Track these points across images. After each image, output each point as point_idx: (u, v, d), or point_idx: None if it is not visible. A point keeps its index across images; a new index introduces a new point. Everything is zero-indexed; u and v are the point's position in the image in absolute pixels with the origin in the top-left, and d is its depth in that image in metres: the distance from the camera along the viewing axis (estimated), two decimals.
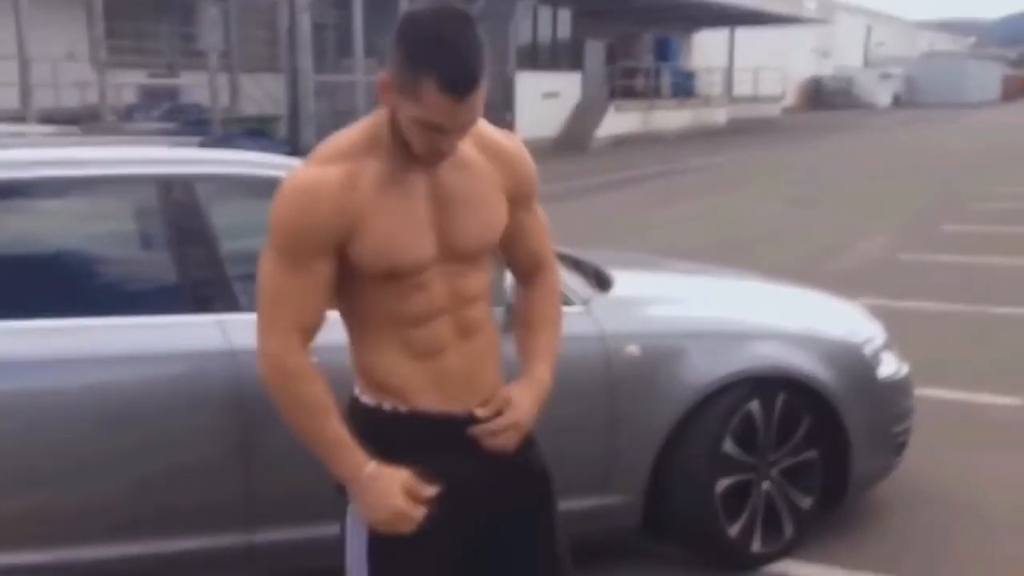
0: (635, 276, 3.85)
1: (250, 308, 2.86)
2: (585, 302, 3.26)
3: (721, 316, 3.59)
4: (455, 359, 1.97)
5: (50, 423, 2.70)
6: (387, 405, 1.97)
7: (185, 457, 2.80)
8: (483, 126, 2.00)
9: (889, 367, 3.72)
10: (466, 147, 1.95)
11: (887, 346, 3.79)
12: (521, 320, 2.15)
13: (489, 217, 1.99)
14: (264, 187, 2.89)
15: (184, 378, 2.80)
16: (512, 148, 2.05)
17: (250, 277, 2.97)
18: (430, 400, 1.96)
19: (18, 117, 14.46)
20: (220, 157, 3.19)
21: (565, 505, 3.21)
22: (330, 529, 2.08)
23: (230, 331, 2.80)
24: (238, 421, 2.80)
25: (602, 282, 3.54)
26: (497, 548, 2.08)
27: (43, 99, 15.63)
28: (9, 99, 15.25)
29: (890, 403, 3.71)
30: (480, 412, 1.98)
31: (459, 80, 1.74)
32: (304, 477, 2.79)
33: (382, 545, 1.95)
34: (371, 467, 1.89)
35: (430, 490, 1.91)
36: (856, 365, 3.61)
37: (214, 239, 2.93)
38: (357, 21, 18.37)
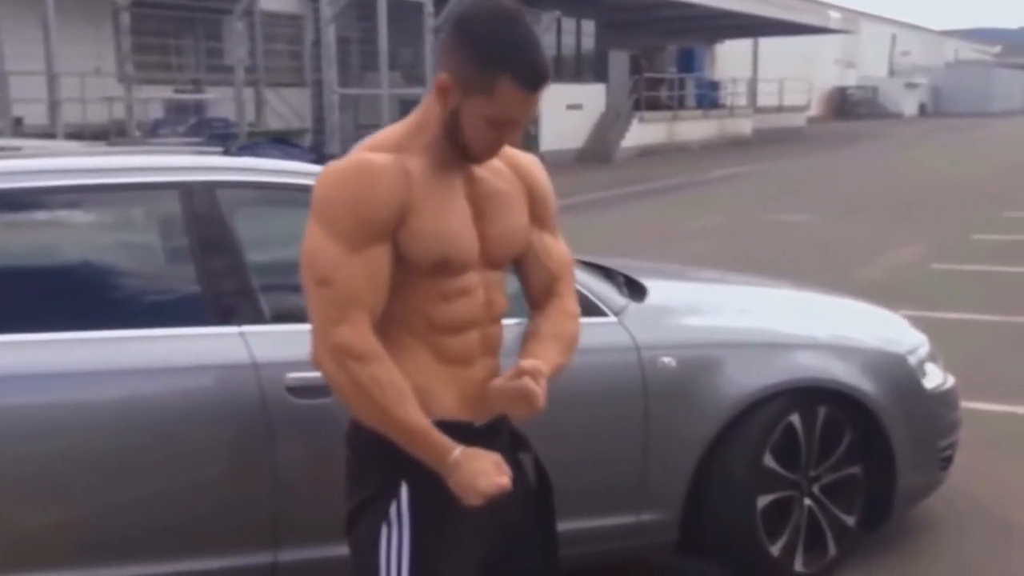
0: (668, 285, 3.73)
1: (275, 319, 2.82)
2: (618, 312, 3.15)
3: (759, 325, 3.46)
4: (480, 371, 1.96)
5: (67, 437, 2.61)
6: None
7: (205, 473, 2.71)
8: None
9: (935, 378, 3.58)
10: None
11: (932, 357, 3.65)
12: (529, 333, 2.04)
13: (519, 223, 2.01)
14: (290, 195, 2.85)
15: (205, 391, 2.71)
16: (529, 161, 2.08)
17: (275, 288, 2.94)
18: (452, 406, 1.92)
19: (47, 133, 14.55)
20: (244, 164, 3.11)
21: (599, 522, 3.16)
22: None
23: (253, 344, 2.71)
24: (260, 436, 2.71)
25: (635, 291, 3.43)
26: (501, 557, 2.05)
27: (71, 114, 15.73)
28: (38, 115, 15.34)
29: (936, 416, 3.57)
30: (497, 381, 1.89)
31: (535, 73, 1.79)
32: (328, 493, 2.71)
33: (422, 557, 1.90)
34: (458, 450, 1.85)
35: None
36: (900, 376, 3.48)
37: (237, 248, 2.85)
38: (382, 34, 18.37)
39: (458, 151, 1.88)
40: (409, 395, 1.83)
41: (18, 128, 15.05)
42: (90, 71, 16.51)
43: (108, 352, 2.67)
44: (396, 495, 1.90)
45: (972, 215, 12.97)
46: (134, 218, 2.99)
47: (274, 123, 19.45)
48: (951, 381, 3.68)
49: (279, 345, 2.73)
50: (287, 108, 19.90)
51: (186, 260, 2.84)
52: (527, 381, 1.83)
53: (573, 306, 2.11)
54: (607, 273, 3.61)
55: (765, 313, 3.65)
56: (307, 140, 18.59)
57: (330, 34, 18.83)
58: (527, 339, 2.03)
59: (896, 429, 3.38)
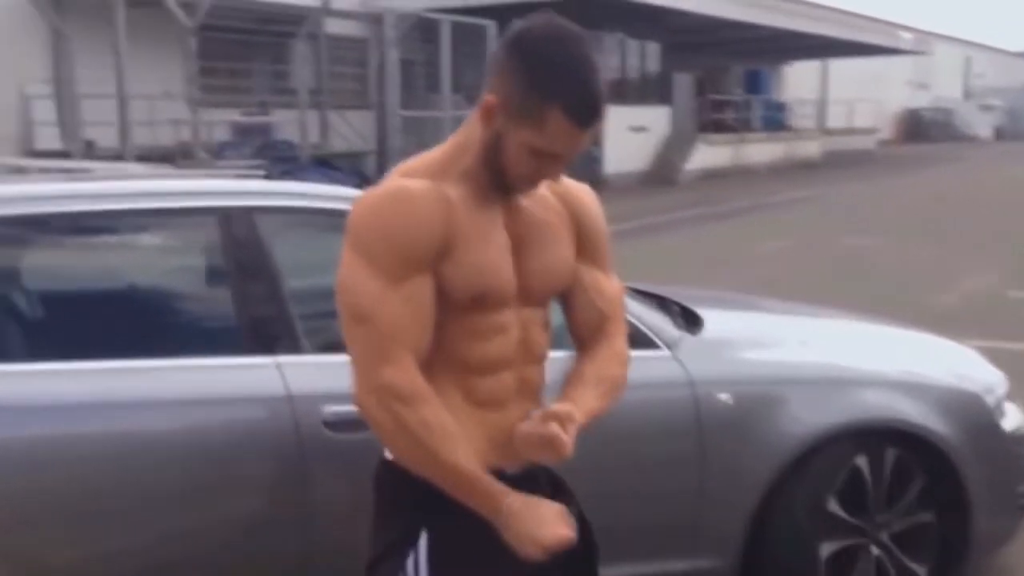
0: (725, 316, 3.55)
1: (313, 350, 2.72)
2: (671, 345, 2.99)
3: (823, 361, 3.27)
4: (514, 415, 1.80)
5: (97, 468, 2.52)
6: None
7: (237, 508, 2.61)
8: None
9: (1014, 419, 3.35)
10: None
11: (1010, 397, 3.42)
12: (571, 374, 1.89)
13: (561, 257, 1.86)
14: (330, 220, 2.74)
15: (240, 424, 2.61)
16: (578, 190, 1.92)
17: (312, 316, 2.84)
18: (480, 450, 1.75)
19: (117, 155, 14.81)
20: (283, 189, 3.01)
21: (651, 568, 2.99)
22: None
23: (289, 375, 2.61)
24: (295, 471, 2.60)
25: (690, 322, 3.26)
26: None
27: (140, 137, 15.99)
28: (108, 137, 15.63)
29: (1015, 459, 3.34)
30: (524, 424, 1.74)
31: (588, 109, 1.66)
32: (362, 532, 2.59)
33: None
34: (514, 497, 1.69)
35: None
36: (976, 416, 3.26)
37: (276, 275, 2.75)
38: (445, 57, 18.43)
39: (495, 178, 1.75)
40: (459, 439, 1.70)
41: (90, 150, 15.35)
42: (159, 94, 16.80)
43: (140, 382, 2.58)
44: (415, 545, 1.75)
45: None
46: (170, 244, 2.91)
47: (338, 145, 19.58)
48: None
49: (316, 377, 2.62)
50: (351, 130, 20.03)
51: (223, 287, 2.76)
52: (554, 427, 1.68)
53: (623, 348, 1.95)
54: (661, 302, 3.45)
55: (830, 347, 3.45)
56: (371, 162, 18.67)
57: (393, 57, 18.94)
58: (568, 381, 1.88)
59: (971, 473, 3.16)
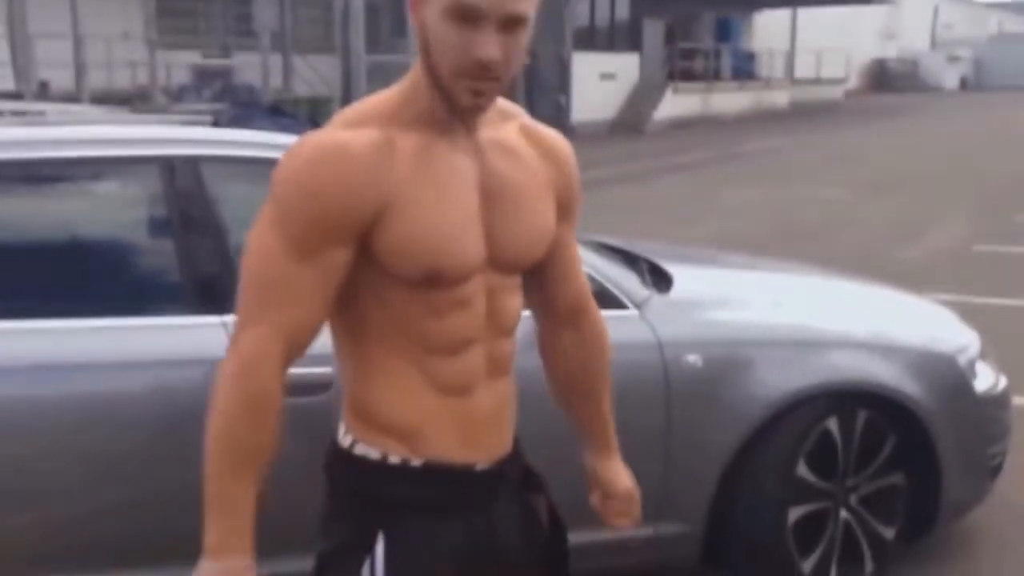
0: (694, 273, 3.44)
1: None
2: (639, 305, 2.88)
3: (794, 321, 3.17)
4: (484, 398, 1.58)
5: (31, 433, 2.39)
6: (395, 457, 1.54)
7: (182, 475, 2.48)
8: (530, 119, 1.65)
9: (986, 380, 3.29)
10: (513, 135, 1.59)
11: (982, 356, 3.35)
12: (573, 383, 1.78)
13: (542, 219, 1.61)
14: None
15: (182, 386, 2.47)
16: (564, 147, 1.67)
17: None
18: (449, 446, 1.56)
19: (72, 97, 14.40)
20: (232, 137, 2.84)
21: (617, 535, 2.90)
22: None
23: None
24: None
25: (659, 281, 3.15)
26: None
27: (96, 79, 15.56)
28: (64, 79, 15.19)
29: (987, 421, 3.27)
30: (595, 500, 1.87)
31: None
32: (308, 491, 2.47)
33: None
34: (247, 560, 1.46)
35: None
36: (949, 377, 3.18)
37: (223, 229, 2.60)
38: None
39: (441, 92, 1.46)
40: (261, 465, 1.46)
41: (43, 92, 14.91)
42: (117, 35, 16.33)
43: (77, 343, 2.44)
44: (371, 549, 1.53)
45: (1013, 194, 12.52)
46: (110, 195, 2.73)
47: (301, 90, 19.20)
48: (1004, 382, 3.37)
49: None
50: (315, 75, 19.63)
51: (166, 242, 2.60)
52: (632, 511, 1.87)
53: (602, 322, 1.80)
54: (629, 259, 3.33)
55: (801, 307, 3.35)
56: (334, 108, 18.33)
57: (359, 1, 18.52)
58: (574, 395, 1.80)
59: (943, 435, 3.09)
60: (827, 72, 37.86)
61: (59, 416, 2.40)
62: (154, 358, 2.47)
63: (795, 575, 2.99)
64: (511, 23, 1.41)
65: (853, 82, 43.01)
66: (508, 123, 1.61)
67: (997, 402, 3.31)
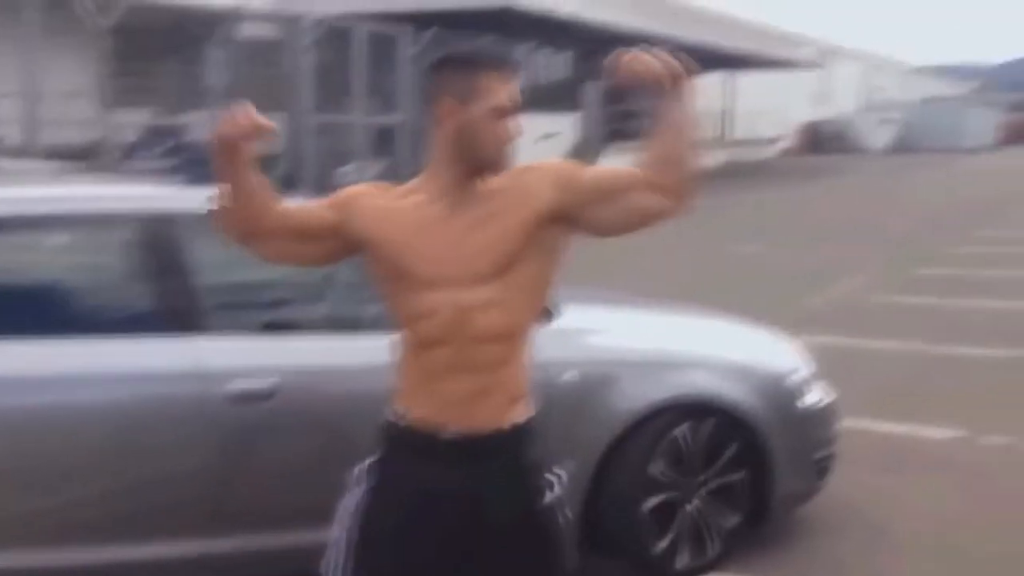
0: (575, 308, 4.15)
1: (221, 330, 3.24)
2: None
3: (654, 346, 3.90)
4: (460, 385, 2.13)
5: (25, 438, 3.03)
6: (396, 412, 2.20)
7: (156, 470, 3.12)
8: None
9: (813, 397, 4.02)
10: (487, 184, 2.16)
11: (812, 377, 4.09)
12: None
13: (498, 233, 2.12)
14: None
15: (159, 396, 3.13)
16: (526, 167, 2.23)
17: (225, 306, 3.37)
18: (426, 414, 2.15)
19: (24, 153, 14.86)
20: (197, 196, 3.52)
21: None
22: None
23: (202, 353, 3.14)
24: (203, 437, 3.13)
25: (543, 314, 3.85)
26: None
27: (49, 136, 16.04)
28: (16, 135, 15.65)
29: (812, 430, 4.01)
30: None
31: (504, 61, 2.16)
32: (274, 491, 3.18)
33: (363, 543, 2.16)
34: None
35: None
36: (779, 394, 3.92)
37: (189, 269, 3.26)
38: (358, 62, 18.84)
39: (478, 163, 2.11)
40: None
41: None
42: (69, 93, 16.85)
43: (59, 360, 3.08)
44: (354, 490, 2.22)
45: (924, 249, 13.48)
46: (98, 242, 3.41)
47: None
48: (829, 399, 4.12)
49: (223, 356, 3.17)
50: None
51: (143, 279, 3.27)
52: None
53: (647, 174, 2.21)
54: None
55: (662, 335, 4.08)
56: (282, 165, 18.96)
57: (307, 61, 19.28)
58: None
59: (774, 441, 3.81)
60: (762, 133, 39.32)
61: (48, 421, 3.04)
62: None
63: (650, 555, 3.68)
64: (518, 112, 2.16)
65: (788, 143, 44.60)
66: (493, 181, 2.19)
67: (821, 415, 4.05)
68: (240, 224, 2.18)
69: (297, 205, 2.27)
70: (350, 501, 2.21)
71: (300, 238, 2.22)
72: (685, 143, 2.17)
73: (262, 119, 2.09)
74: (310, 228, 2.22)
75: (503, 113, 2.12)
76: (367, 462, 2.24)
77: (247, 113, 2.08)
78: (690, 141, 2.17)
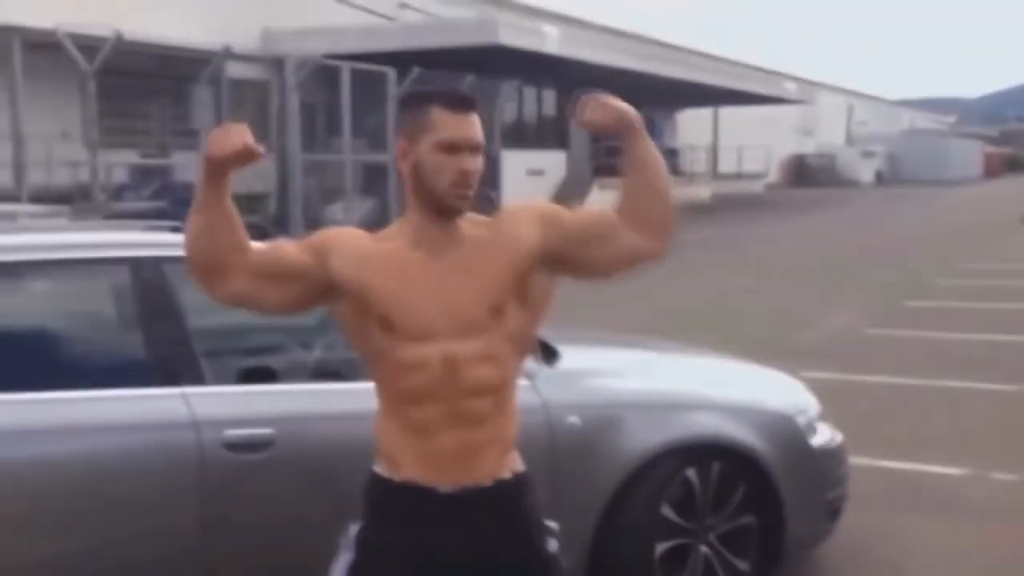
0: (579, 349, 4.07)
1: (215, 382, 3.14)
2: (530, 376, 3.48)
3: (660, 388, 3.81)
4: (447, 442, 2.04)
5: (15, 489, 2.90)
6: (383, 471, 2.11)
7: (147, 520, 3.00)
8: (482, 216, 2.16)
9: (822, 437, 3.93)
10: (468, 228, 2.10)
11: (821, 417, 4.00)
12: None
13: (486, 281, 2.06)
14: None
15: (149, 448, 3.01)
16: (508, 210, 2.19)
17: (215, 353, 3.26)
18: (414, 473, 2.06)
19: (11, 195, 14.77)
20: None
21: None
22: None
23: (194, 403, 3.02)
24: (197, 486, 3.01)
25: (548, 355, 3.76)
26: None
27: (36, 177, 15.96)
28: (2, 177, 15.56)
29: (823, 471, 3.92)
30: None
31: (455, 96, 2.06)
32: (264, 546, 3.05)
33: None
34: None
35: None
36: (789, 434, 3.83)
37: (181, 316, 3.16)
38: (345, 101, 18.84)
39: (434, 202, 2.02)
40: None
41: None
42: (56, 135, 16.80)
43: (57, 411, 2.96)
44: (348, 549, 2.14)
45: (911, 282, 13.48)
46: (88, 289, 3.30)
47: (238, 186, 19.40)
48: (839, 439, 4.02)
49: (218, 405, 3.05)
50: (251, 172, 20.12)
51: (135, 327, 3.16)
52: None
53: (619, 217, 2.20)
54: None
55: (667, 376, 3.99)
56: (271, 204, 18.89)
57: (294, 101, 19.27)
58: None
59: (785, 482, 3.71)
60: (748, 167, 39.55)
61: (40, 472, 2.92)
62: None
63: None
64: (474, 150, 2.05)
65: (774, 176, 44.87)
66: (475, 226, 2.13)
67: (832, 455, 3.96)
68: (208, 256, 2.07)
69: (270, 244, 2.18)
70: (340, 570, 2.14)
71: (268, 278, 2.09)
72: (653, 182, 2.17)
73: (253, 141, 2.01)
74: (282, 268, 2.10)
75: (451, 147, 2.03)
76: (353, 530, 2.15)
77: (241, 130, 2.00)
78: (658, 179, 2.17)
